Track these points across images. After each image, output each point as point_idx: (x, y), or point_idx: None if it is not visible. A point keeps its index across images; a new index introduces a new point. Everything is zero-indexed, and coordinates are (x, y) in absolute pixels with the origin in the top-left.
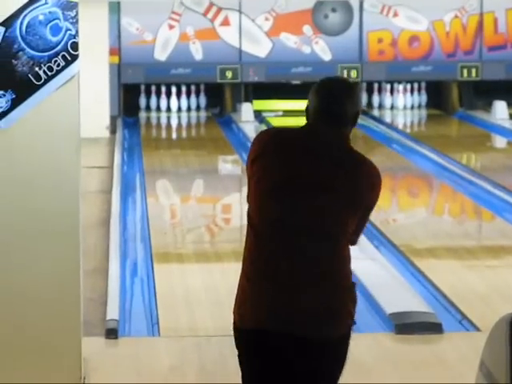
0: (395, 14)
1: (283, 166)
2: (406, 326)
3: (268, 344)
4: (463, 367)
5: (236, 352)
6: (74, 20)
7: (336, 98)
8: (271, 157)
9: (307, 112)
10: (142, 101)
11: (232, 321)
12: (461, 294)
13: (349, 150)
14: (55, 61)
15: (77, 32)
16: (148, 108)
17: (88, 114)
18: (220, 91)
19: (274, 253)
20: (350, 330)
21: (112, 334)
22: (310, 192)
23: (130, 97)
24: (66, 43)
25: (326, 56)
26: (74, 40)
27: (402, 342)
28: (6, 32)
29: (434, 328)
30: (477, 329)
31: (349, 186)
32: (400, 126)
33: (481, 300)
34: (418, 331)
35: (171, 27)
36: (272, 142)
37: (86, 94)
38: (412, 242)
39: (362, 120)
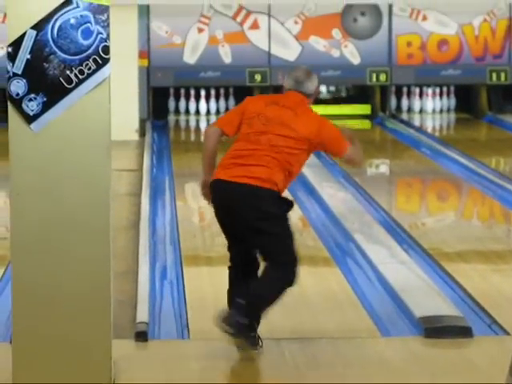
0: (424, 18)
1: None
2: (436, 329)
3: None
4: (493, 371)
5: None
6: (106, 23)
7: None
8: None
9: None
10: (171, 104)
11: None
12: (490, 298)
13: None
14: (86, 64)
15: (108, 35)
16: (177, 111)
17: (117, 116)
18: (249, 94)
19: None
20: None
21: (142, 336)
22: None
23: (159, 100)
24: (98, 47)
25: (355, 59)
26: (105, 43)
27: (431, 345)
28: (37, 35)
29: (464, 332)
30: (506, 333)
31: None
32: (429, 130)
33: (510, 304)
34: (447, 335)
35: (200, 30)
36: None
37: (115, 96)
38: (441, 246)
39: (391, 124)
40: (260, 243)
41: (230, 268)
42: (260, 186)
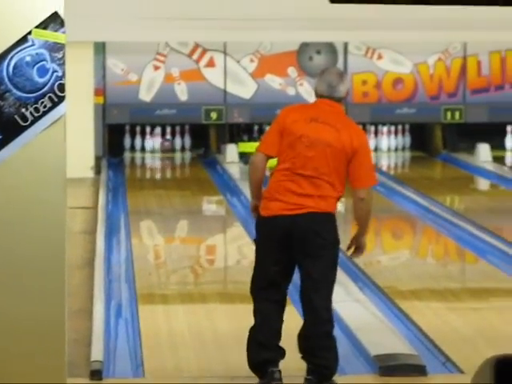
0: (379, 57)
1: None
2: (391, 367)
3: None
4: None
5: None
6: (61, 61)
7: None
8: None
9: None
10: (127, 141)
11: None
12: (445, 336)
13: None
14: (42, 102)
15: (63, 73)
16: (133, 148)
17: (73, 154)
18: (205, 132)
19: None
20: None
21: (96, 375)
22: None
23: (115, 137)
24: (53, 84)
25: (311, 98)
26: (60, 81)
27: (386, 383)
28: None
29: (418, 370)
30: (460, 371)
31: None
32: (384, 168)
33: (464, 342)
34: (402, 373)
35: (156, 68)
36: None
37: (70, 134)
38: (396, 284)
39: None
40: (318, 269)
41: (269, 306)
42: (319, 211)
